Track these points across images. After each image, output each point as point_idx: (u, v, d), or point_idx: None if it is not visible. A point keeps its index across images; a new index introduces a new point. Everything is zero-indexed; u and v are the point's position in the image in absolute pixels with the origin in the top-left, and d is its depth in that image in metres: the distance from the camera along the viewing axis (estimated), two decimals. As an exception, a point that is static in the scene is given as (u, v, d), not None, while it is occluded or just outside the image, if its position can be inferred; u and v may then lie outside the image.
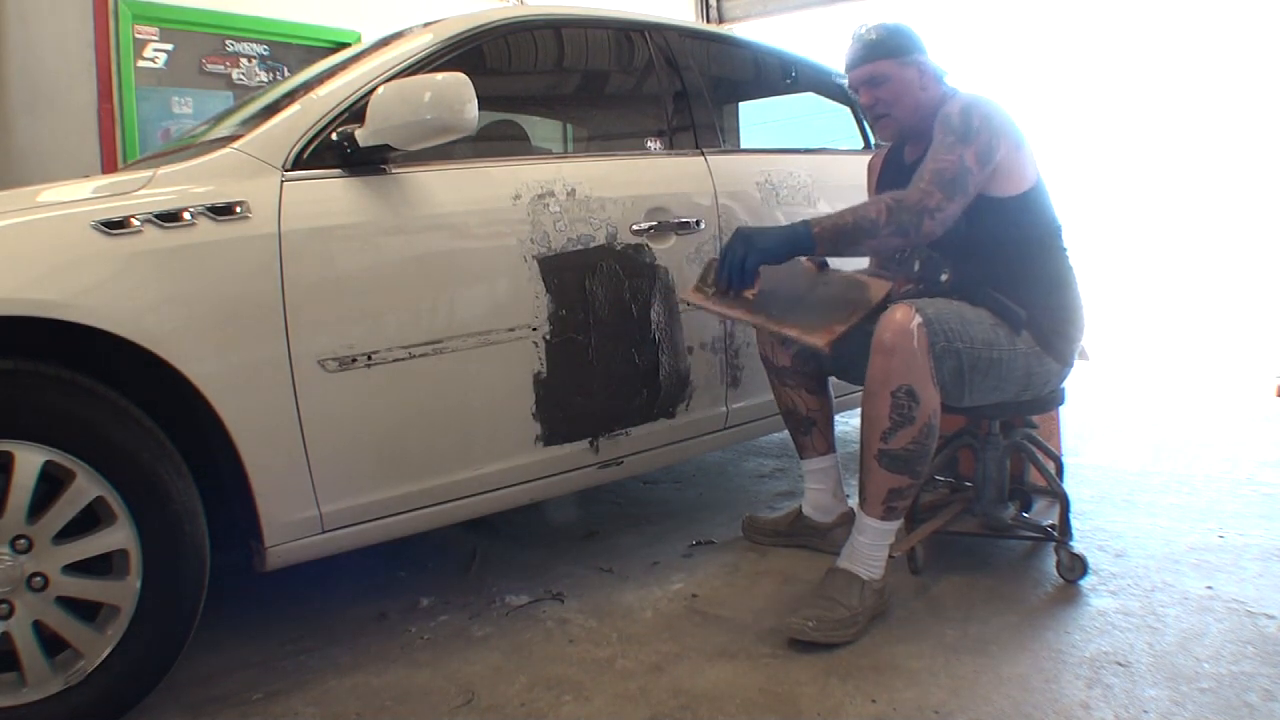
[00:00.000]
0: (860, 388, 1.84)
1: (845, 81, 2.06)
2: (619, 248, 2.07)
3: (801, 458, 2.22)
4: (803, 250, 1.83)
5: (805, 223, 1.82)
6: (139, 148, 3.96)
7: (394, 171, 1.79)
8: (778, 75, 2.92)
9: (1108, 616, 1.80)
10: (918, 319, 1.74)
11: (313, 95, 1.82)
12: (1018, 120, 1.90)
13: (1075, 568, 1.95)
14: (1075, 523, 2.09)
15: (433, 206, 1.82)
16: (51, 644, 1.43)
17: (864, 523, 1.81)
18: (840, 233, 1.80)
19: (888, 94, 1.96)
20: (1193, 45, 5.26)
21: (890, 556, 1.84)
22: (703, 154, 2.36)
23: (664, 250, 2.16)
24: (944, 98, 1.96)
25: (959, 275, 1.92)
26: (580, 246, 2.01)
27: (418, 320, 1.77)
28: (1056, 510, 2.04)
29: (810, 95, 2.97)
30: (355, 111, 1.77)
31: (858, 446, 1.83)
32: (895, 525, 1.82)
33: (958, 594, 1.93)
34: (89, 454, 1.42)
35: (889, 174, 2.12)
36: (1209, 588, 1.92)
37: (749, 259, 1.80)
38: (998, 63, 5.52)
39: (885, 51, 1.95)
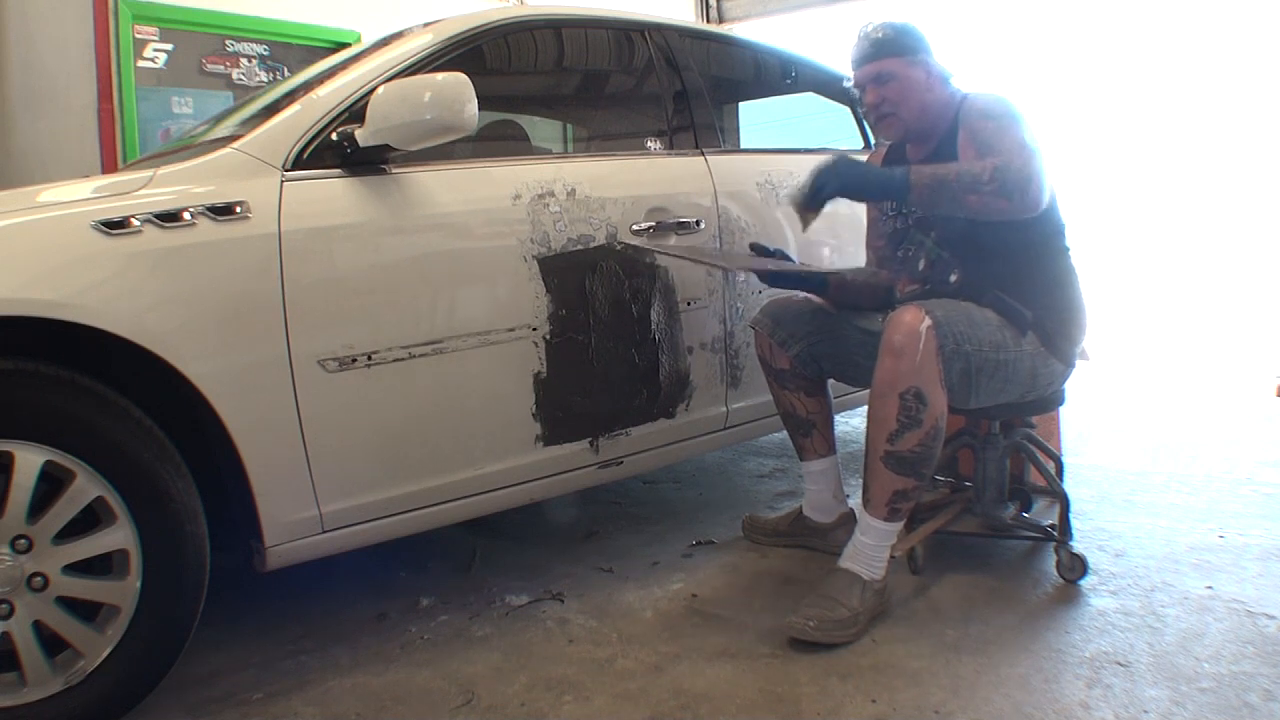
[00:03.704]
0: (858, 389, 1.83)
1: (850, 79, 2.03)
2: (619, 248, 2.07)
3: (801, 459, 2.22)
4: (895, 196, 1.79)
5: (905, 168, 1.77)
6: (139, 148, 3.96)
7: (394, 171, 1.79)
8: (778, 75, 2.92)
9: (1108, 616, 1.80)
10: (928, 321, 1.73)
11: (313, 95, 1.82)
12: (1031, 120, 1.89)
13: (1075, 568, 1.95)
14: (1075, 523, 2.08)
15: (433, 206, 1.82)
16: (52, 644, 1.43)
17: (867, 523, 1.81)
18: (940, 183, 1.75)
19: (893, 93, 1.94)
20: (1193, 45, 5.26)
21: (891, 557, 1.84)
22: (703, 154, 2.36)
23: (664, 250, 2.16)
24: (951, 99, 1.95)
25: (964, 276, 1.91)
26: (580, 246, 2.01)
27: (418, 320, 1.77)
28: (1056, 510, 2.03)
29: (810, 95, 2.98)
30: (355, 111, 1.76)
31: (857, 446, 1.83)
32: (898, 526, 1.82)
33: (958, 594, 1.93)
34: (89, 454, 1.42)
35: None
36: (1209, 588, 1.92)
37: (827, 188, 1.77)
38: (999, 62, 5.52)
39: (892, 50, 1.93)
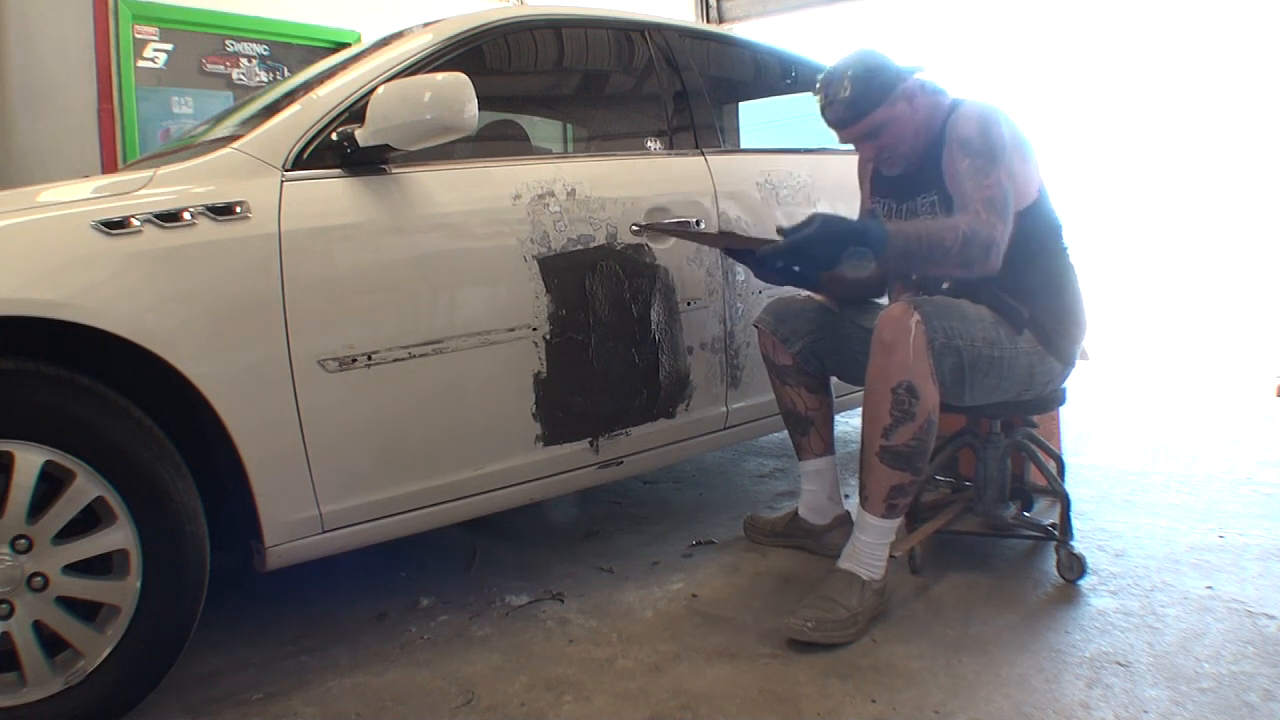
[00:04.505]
0: (859, 387, 1.84)
1: (836, 136, 1.99)
2: (619, 248, 2.07)
3: (799, 458, 2.22)
4: (872, 249, 1.71)
5: (883, 232, 1.70)
6: (139, 148, 3.96)
7: (394, 171, 1.79)
8: (778, 75, 2.92)
9: (1108, 616, 1.80)
10: (916, 316, 1.74)
11: (313, 95, 1.82)
12: (1022, 127, 1.88)
13: (1075, 567, 1.95)
14: (1075, 522, 2.08)
15: (433, 206, 1.82)
16: (52, 644, 1.43)
17: (865, 521, 1.81)
18: (909, 255, 1.75)
19: (890, 138, 1.92)
20: (1192, 45, 5.26)
21: (891, 556, 1.84)
22: (703, 154, 2.36)
23: (664, 250, 2.16)
24: (938, 107, 1.93)
25: (958, 279, 1.91)
26: (580, 246, 2.01)
27: (418, 320, 1.77)
28: (1057, 510, 2.03)
29: (810, 95, 2.97)
30: (355, 111, 1.76)
31: (858, 447, 1.83)
32: (896, 523, 1.82)
33: (958, 594, 1.93)
34: (89, 454, 1.42)
35: (883, 178, 2.10)
36: (1209, 588, 1.92)
37: (806, 249, 1.71)
38: (996, 61, 5.51)
39: (872, 102, 1.87)
